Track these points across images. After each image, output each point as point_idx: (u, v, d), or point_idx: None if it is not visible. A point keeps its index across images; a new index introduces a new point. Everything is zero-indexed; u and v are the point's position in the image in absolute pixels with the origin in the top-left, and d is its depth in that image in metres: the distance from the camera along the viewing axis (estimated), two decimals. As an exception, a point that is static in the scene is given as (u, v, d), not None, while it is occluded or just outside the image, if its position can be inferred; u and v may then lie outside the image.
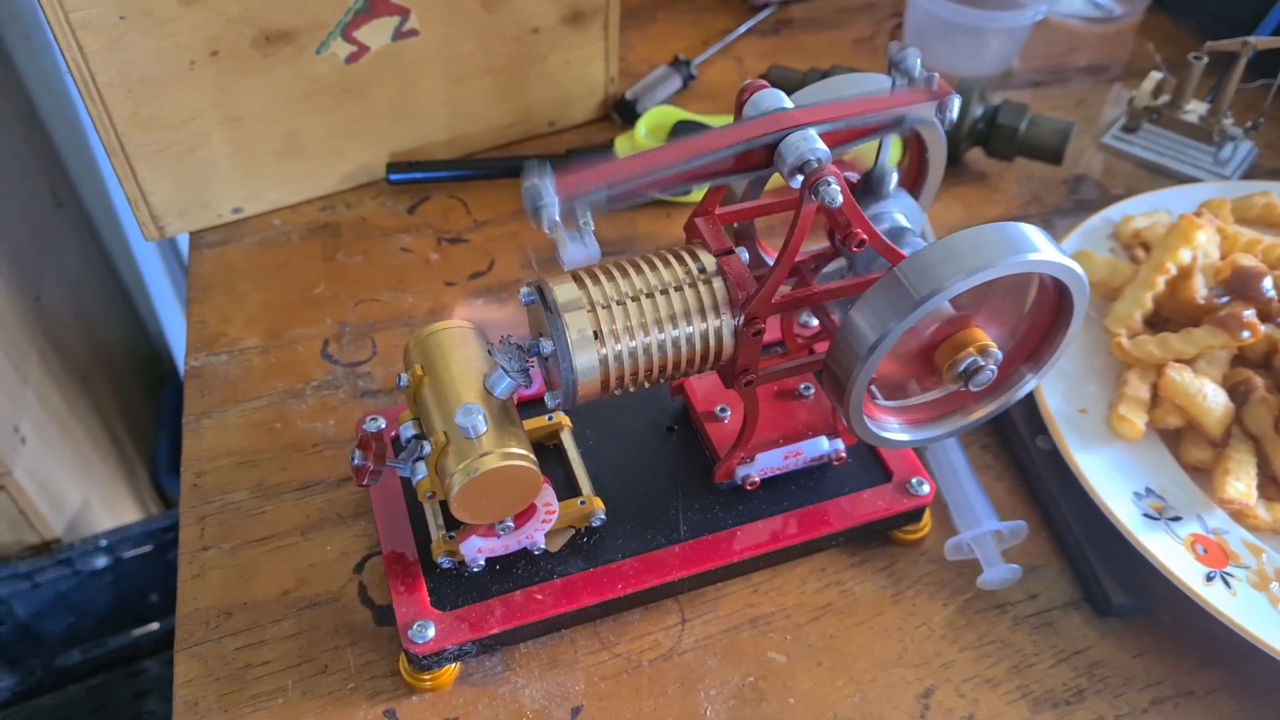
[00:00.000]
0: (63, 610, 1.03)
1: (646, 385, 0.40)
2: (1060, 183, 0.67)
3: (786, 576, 0.47)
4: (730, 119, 0.65)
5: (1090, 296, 0.53)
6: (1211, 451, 0.48)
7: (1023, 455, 0.51)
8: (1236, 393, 0.49)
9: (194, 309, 0.57)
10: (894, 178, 0.43)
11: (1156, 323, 0.53)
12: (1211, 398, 0.48)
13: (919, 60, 0.39)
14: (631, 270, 0.40)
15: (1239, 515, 0.46)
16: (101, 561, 1.02)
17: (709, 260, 0.40)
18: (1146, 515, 0.46)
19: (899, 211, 0.44)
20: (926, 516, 0.48)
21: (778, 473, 0.46)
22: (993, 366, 0.39)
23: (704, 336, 0.39)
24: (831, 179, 0.35)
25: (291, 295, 0.58)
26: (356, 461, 0.41)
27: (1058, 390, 0.51)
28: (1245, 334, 0.49)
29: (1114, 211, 0.60)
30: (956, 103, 0.38)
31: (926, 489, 0.46)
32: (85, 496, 1.06)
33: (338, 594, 0.45)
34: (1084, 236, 0.59)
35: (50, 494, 0.97)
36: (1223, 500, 0.46)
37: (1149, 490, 0.47)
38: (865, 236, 0.37)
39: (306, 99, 0.58)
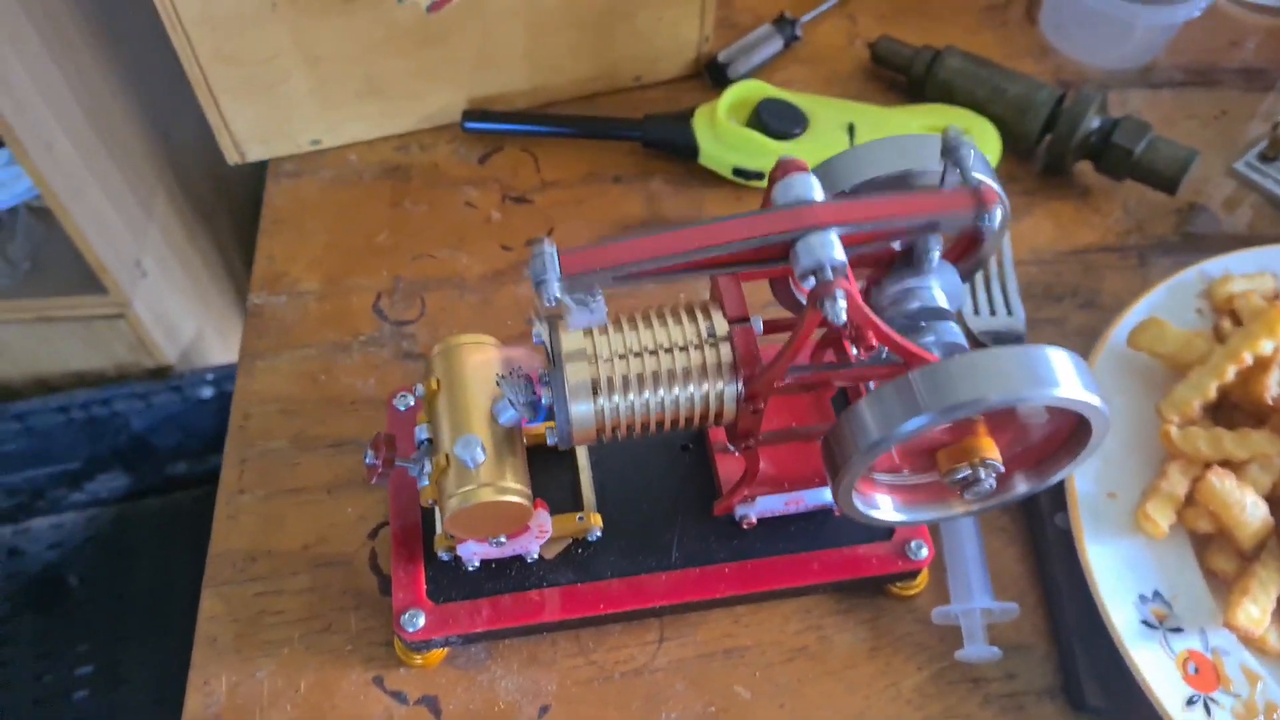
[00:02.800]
0: (172, 428, 1.12)
1: (649, 434, 0.41)
2: (1172, 211, 0.62)
3: (770, 612, 0.48)
4: (825, 100, 0.62)
5: (1158, 366, 0.51)
6: (1238, 564, 0.47)
7: (1039, 529, 0.50)
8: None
9: (263, 243, 0.59)
10: (938, 250, 0.41)
11: (1223, 408, 0.50)
12: (1250, 510, 0.46)
13: (972, 153, 0.36)
14: (641, 324, 0.40)
15: (1247, 637, 0.45)
16: (208, 392, 1.11)
17: (721, 324, 0.39)
18: (1145, 622, 0.45)
19: (939, 287, 0.42)
20: (924, 574, 0.48)
21: (776, 515, 0.47)
22: (992, 481, 0.38)
23: (705, 398, 0.40)
24: (839, 294, 0.33)
25: (355, 240, 0.59)
26: (368, 460, 0.43)
27: (1091, 468, 0.49)
28: (1305, 449, 0.46)
29: (1214, 266, 0.56)
30: (1000, 214, 0.36)
31: (925, 553, 0.46)
32: (200, 328, 1.13)
33: (351, 557, 0.49)
34: (1172, 291, 0.55)
35: (166, 324, 1.05)
36: (1231, 625, 0.44)
37: (1157, 594, 0.46)
38: (876, 343, 0.35)
39: (387, 43, 0.58)
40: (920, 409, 0.35)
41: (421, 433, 0.43)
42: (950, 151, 0.36)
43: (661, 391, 0.39)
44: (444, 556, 0.45)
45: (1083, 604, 0.46)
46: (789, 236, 0.35)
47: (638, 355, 0.39)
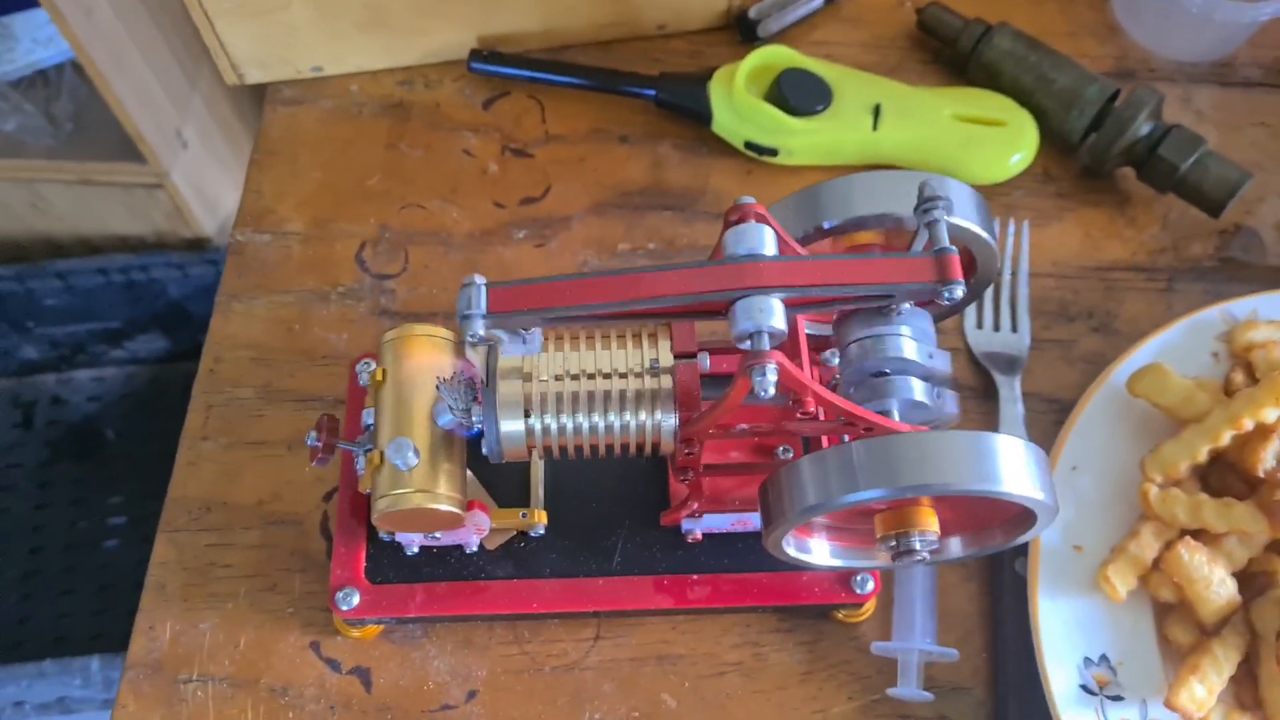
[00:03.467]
0: (208, 298, 1.13)
1: (588, 456, 0.40)
2: (1214, 233, 0.58)
3: (709, 622, 0.47)
4: (854, 74, 0.58)
5: (1158, 415, 0.48)
6: (1195, 637, 0.45)
7: (997, 571, 0.48)
8: (1254, 582, 0.45)
9: (253, 174, 0.58)
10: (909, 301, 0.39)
11: (1216, 466, 0.48)
12: (1216, 587, 0.44)
13: (946, 221, 0.33)
14: (584, 344, 0.38)
15: (1188, 719, 0.43)
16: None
17: (666, 356, 0.38)
18: (1083, 687, 0.44)
19: (909, 335, 0.39)
20: (871, 603, 0.47)
21: (723, 531, 0.46)
22: (927, 553, 0.37)
23: (641, 428, 0.38)
24: (769, 369, 0.31)
25: (347, 181, 0.58)
26: (310, 441, 0.43)
27: (1061, 517, 0.47)
28: (1288, 532, 0.43)
29: (1241, 306, 0.52)
30: (960, 291, 0.33)
31: (870, 587, 0.45)
32: (240, 200, 1.12)
33: (302, 517, 0.49)
34: (1190, 330, 0.51)
35: (206, 196, 1.05)
36: (1171, 705, 0.43)
37: (1103, 658, 0.45)
38: (814, 410, 0.34)
39: (390, -25, 0.55)
40: (858, 485, 0.33)
41: (368, 417, 0.42)
42: (925, 209, 0.33)
43: (596, 417, 0.38)
44: (385, 537, 0.45)
45: (1027, 656, 0.45)
46: (728, 296, 0.32)
47: (575, 378, 0.38)
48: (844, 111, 0.57)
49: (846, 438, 0.38)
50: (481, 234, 0.57)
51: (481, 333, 0.33)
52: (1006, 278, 0.55)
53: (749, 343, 0.32)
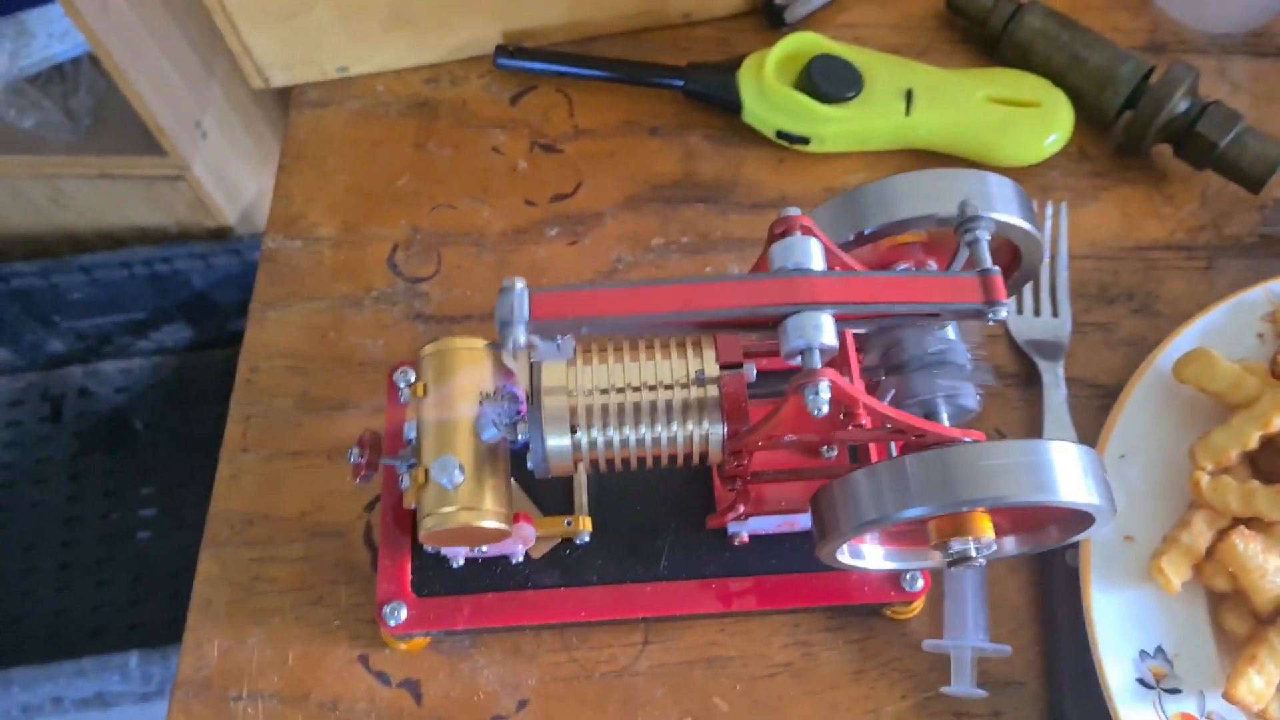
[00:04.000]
0: (232, 287, 1.14)
1: (634, 469, 0.40)
2: (1255, 209, 0.57)
3: (758, 623, 0.47)
4: (885, 58, 0.57)
5: (1204, 399, 0.47)
6: (1251, 626, 0.44)
7: (1048, 562, 0.48)
8: (1311, 570, 0.44)
9: (282, 179, 0.58)
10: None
11: (1266, 452, 0.47)
12: (1272, 576, 0.43)
13: (988, 238, 0.33)
14: (628, 355, 0.38)
15: (1247, 710, 0.43)
16: (264, 254, 1.11)
17: (711, 366, 0.37)
18: (1140, 680, 0.43)
19: (955, 336, 0.39)
20: (921, 599, 0.47)
21: (769, 534, 0.46)
22: (983, 560, 0.36)
23: (689, 439, 0.38)
24: (822, 386, 0.31)
25: (376, 184, 0.57)
26: (353, 459, 0.42)
27: (1111, 508, 0.46)
28: (1345, 519, 0.43)
29: (1285, 286, 0.51)
30: (1004, 312, 0.32)
31: (920, 584, 0.45)
32: (261, 188, 1.12)
33: (346, 528, 0.49)
34: (1233, 311, 0.51)
35: (228, 186, 1.05)
36: (1230, 698, 0.42)
37: (1159, 650, 0.44)
38: (867, 422, 0.33)
39: (413, -27, 0.54)
40: (913, 501, 0.33)
41: (410, 430, 0.42)
42: (965, 230, 0.33)
43: (643, 430, 0.37)
44: (430, 550, 0.45)
45: (1081, 649, 0.45)
46: (779, 311, 0.32)
47: (620, 390, 0.37)
48: (875, 97, 0.56)
49: (895, 445, 0.38)
50: (514, 233, 0.56)
51: (523, 341, 0.32)
52: (1046, 261, 0.55)
53: (800, 359, 0.32)
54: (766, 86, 0.56)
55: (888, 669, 0.46)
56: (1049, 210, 0.56)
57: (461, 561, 0.45)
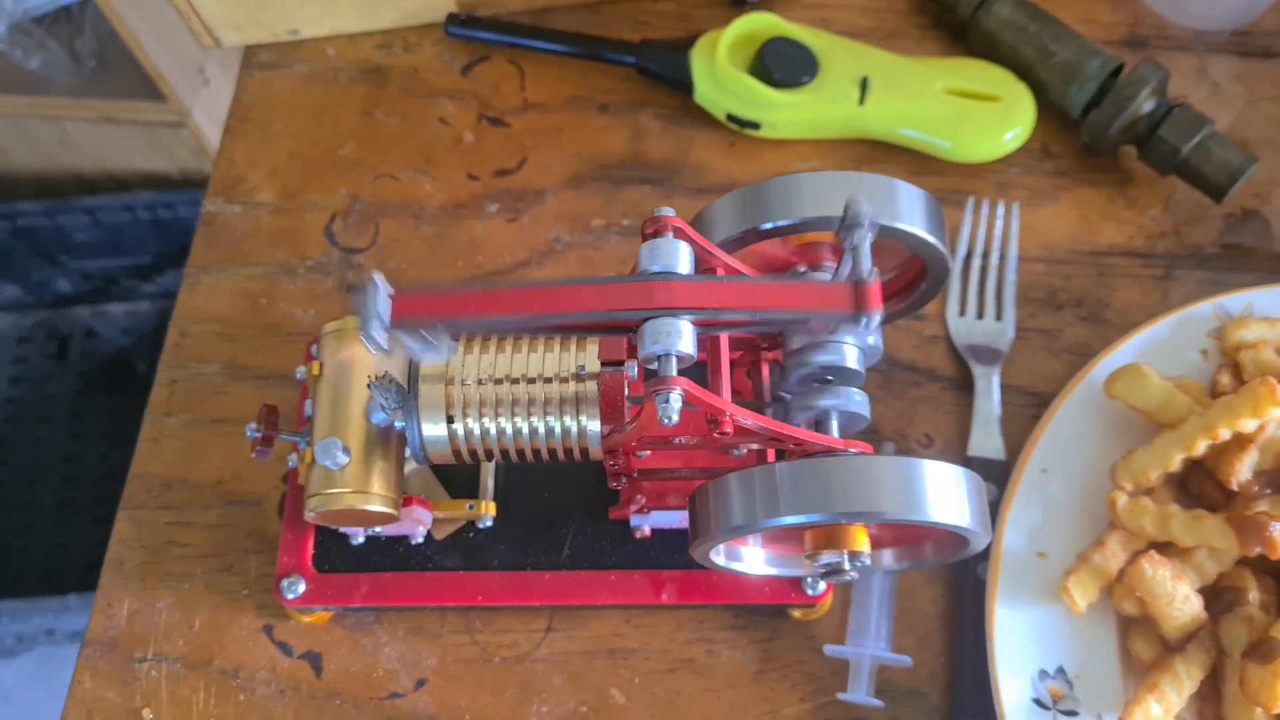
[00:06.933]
0: None
1: (515, 461, 0.39)
2: (1220, 216, 0.55)
3: (663, 617, 0.47)
4: (844, 43, 0.55)
5: (1139, 418, 0.46)
6: (1158, 652, 0.43)
7: (961, 573, 0.47)
8: (1223, 597, 0.43)
9: (227, 141, 0.57)
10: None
11: (1195, 474, 0.46)
12: (1180, 604, 0.42)
13: (869, 243, 0.32)
14: (511, 348, 0.37)
15: (1143, 735, 0.42)
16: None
17: (593, 362, 0.37)
18: (1036, 701, 0.43)
19: (852, 342, 0.38)
20: (828, 601, 0.46)
21: (672, 528, 0.45)
22: (855, 573, 0.35)
23: (566, 434, 0.37)
24: (673, 395, 0.30)
25: (319, 150, 0.57)
26: (249, 433, 0.42)
27: (1026, 522, 0.45)
28: (1258, 549, 0.41)
29: (1235, 301, 0.49)
30: (876, 322, 0.31)
31: (821, 588, 0.44)
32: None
33: (261, 498, 0.49)
34: (1178, 326, 0.49)
35: None
36: (1123, 723, 0.42)
37: (1060, 671, 0.43)
38: (730, 429, 0.32)
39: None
40: (780, 510, 0.32)
41: (310, 408, 0.42)
42: (847, 232, 0.31)
43: (520, 421, 0.37)
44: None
45: (982, 664, 0.44)
46: (638, 316, 0.31)
47: (499, 381, 0.37)
48: (830, 84, 0.54)
49: (774, 453, 0.37)
50: (454, 207, 0.55)
51: (380, 340, 0.32)
52: (994, 263, 0.53)
53: (656, 364, 0.31)
54: (718, 68, 0.54)
55: (789, 671, 0.46)
56: (1000, 210, 0.54)
57: (361, 539, 0.45)
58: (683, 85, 0.56)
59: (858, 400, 0.36)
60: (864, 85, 0.54)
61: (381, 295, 0.31)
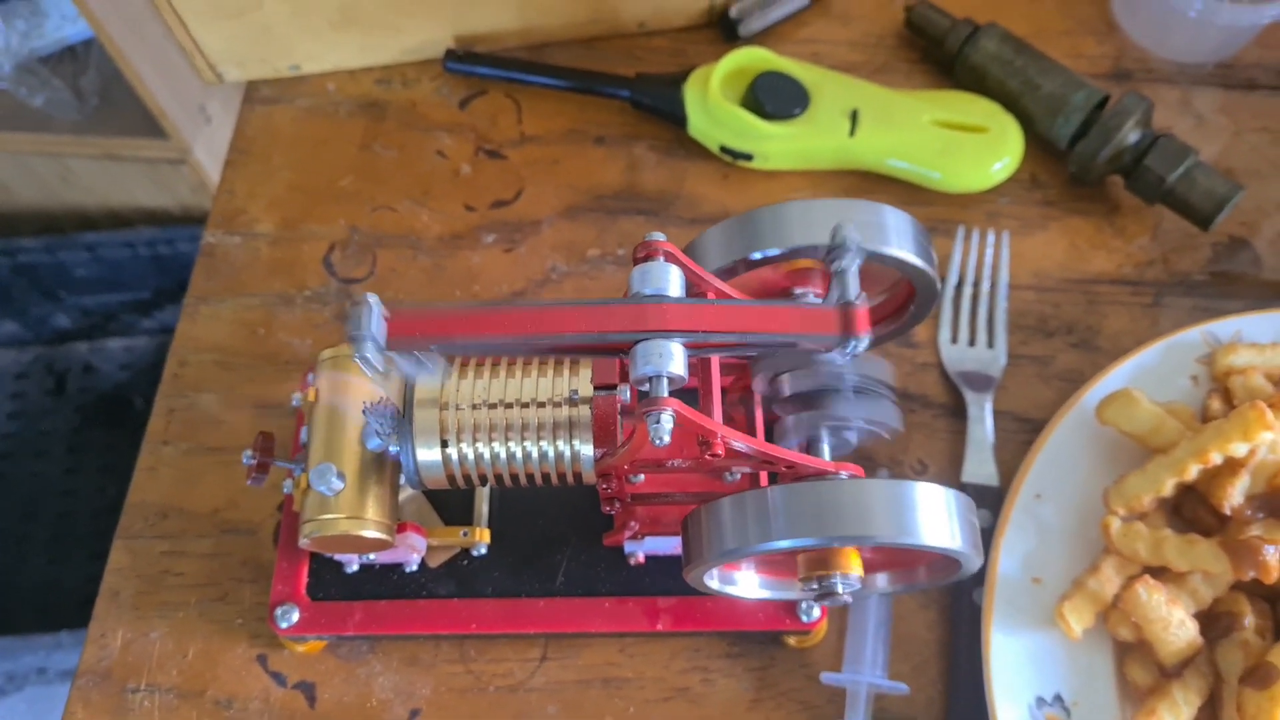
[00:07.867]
0: None
1: (509, 486, 0.39)
2: (1208, 244, 0.55)
3: (658, 645, 0.47)
4: (834, 76, 0.56)
5: (1130, 443, 0.46)
6: (1155, 678, 0.43)
7: (956, 599, 0.47)
8: (1218, 622, 0.43)
9: (228, 174, 0.58)
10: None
11: (1188, 499, 0.46)
12: (1175, 629, 0.42)
13: (856, 268, 0.32)
14: (505, 372, 0.38)
15: (1140, 761, 0.42)
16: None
17: (586, 386, 0.37)
18: (1033, 728, 0.43)
19: (844, 366, 0.38)
20: (823, 628, 0.46)
21: (666, 555, 0.45)
22: (849, 595, 0.35)
23: (559, 458, 0.38)
24: (664, 416, 0.30)
25: (318, 181, 0.57)
26: (245, 459, 0.42)
27: (1020, 548, 0.46)
28: (1252, 573, 0.41)
29: (1224, 327, 0.50)
30: (863, 346, 0.32)
31: (816, 614, 0.44)
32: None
33: (256, 527, 0.49)
34: (1167, 352, 0.49)
35: None
36: (1120, 749, 0.41)
37: (1057, 699, 0.43)
38: (721, 451, 0.33)
39: (360, -26, 0.54)
40: (772, 534, 0.33)
41: (305, 434, 0.42)
42: (834, 257, 0.32)
43: (514, 446, 0.37)
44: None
45: (979, 691, 0.44)
46: (629, 337, 0.31)
47: (493, 406, 0.37)
48: (821, 116, 0.55)
49: (766, 477, 0.37)
50: (451, 237, 0.56)
51: (373, 359, 0.32)
52: (985, 291, 0.54)
53: (648, 386, 0.31)
54: (711, 101, 0.55)
55: (785, 699, 0.46)
56: (990, 239, 0.55)
57: (356, 567, 0.45)
58: (676, 118, 0.57)
59: (849, 422, 0.37)
60: (854, 117, 0.55)
61: (376, 316, 0.32)
